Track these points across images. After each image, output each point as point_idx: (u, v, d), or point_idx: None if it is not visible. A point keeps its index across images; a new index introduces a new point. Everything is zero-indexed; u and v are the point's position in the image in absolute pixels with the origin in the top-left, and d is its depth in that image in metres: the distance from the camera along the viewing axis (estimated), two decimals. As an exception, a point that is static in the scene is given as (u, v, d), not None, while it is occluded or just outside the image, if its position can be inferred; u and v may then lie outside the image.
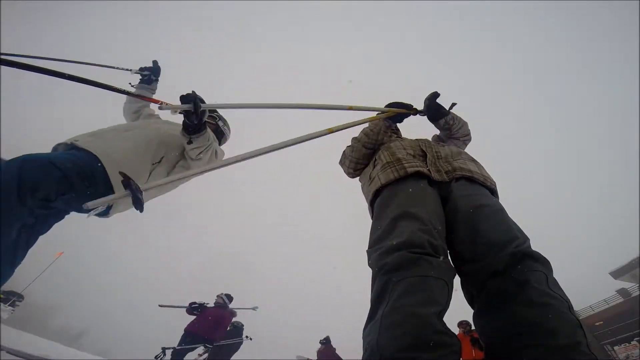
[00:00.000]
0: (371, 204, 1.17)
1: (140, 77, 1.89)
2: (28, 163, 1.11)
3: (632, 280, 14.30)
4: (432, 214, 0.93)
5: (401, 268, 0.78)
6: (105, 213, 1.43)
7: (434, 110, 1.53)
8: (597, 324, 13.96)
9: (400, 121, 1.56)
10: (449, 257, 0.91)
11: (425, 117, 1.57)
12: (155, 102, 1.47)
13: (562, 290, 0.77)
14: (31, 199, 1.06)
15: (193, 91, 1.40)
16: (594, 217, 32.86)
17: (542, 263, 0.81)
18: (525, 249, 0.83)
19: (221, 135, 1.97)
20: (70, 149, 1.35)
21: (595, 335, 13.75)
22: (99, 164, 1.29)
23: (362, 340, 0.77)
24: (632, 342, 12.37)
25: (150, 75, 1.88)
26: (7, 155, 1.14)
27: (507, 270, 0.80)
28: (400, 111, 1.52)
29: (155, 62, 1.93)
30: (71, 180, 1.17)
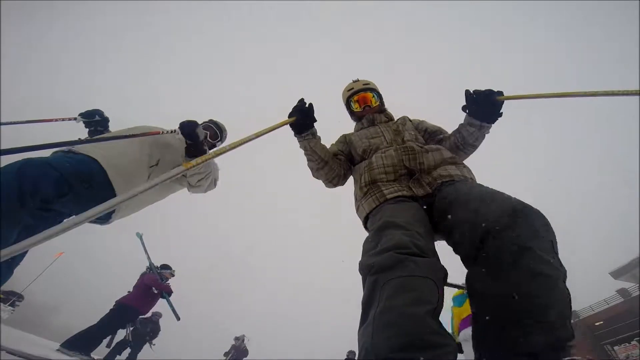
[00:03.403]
0: (365, 227, 1.20)
1: (86, 127, 1.71)
2: (27, 166, 1.12)
3: (632, 280, 14.29)
4: (412, 219, 0.95)
5: (388, 268, 0.79)
6: (105, 220, 1.44)
7: (484, 104, 1.19)
8: (597, 324, 13.95)
9: (301, 131, 1.37)
10: (438, 257, 0.90)
11: (471, 114, 1.25)
12: (156, 133, 1.50)
13: (560, 260, 0.76)
14: (31, 200, 1.08)
15: (193, 122, 1.48)
16: (593, 217, 32.88)
17: (545, 227, 0.79)
18: (527, 207, 0.81)
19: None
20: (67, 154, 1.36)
21: (595, 335, 13.75)
22: (98, 167, 1.30)
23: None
24: (632, 342, 12.36)
25: (96, 127, 1.70)
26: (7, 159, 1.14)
27: (508, 229, 0.77)
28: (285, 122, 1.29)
29: (98, 112, 1.72)
30: (70, 182, 1.19)
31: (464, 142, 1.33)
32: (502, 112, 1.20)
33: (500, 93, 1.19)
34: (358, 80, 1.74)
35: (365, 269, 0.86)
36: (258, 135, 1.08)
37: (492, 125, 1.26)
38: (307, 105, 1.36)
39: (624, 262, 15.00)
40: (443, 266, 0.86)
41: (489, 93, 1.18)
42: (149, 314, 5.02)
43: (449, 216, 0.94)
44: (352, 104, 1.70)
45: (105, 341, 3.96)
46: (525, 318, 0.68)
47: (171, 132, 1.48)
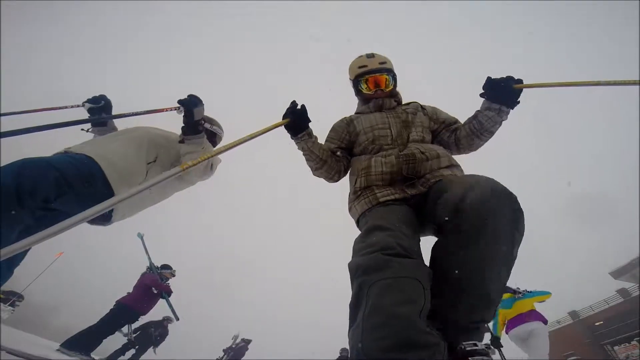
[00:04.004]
0: (358, 227, 1.22)
1: (90, 114, 1.66)
2: (27, 166, 1.13)
3: (632, 280, 14.27)
4: (398, 222, 0.97)
5: (374, 270, 0.79)
6: (106, 221, 1.44)
7: (501, 91, 1.18)
8: (597, 324, 13.96)
9: (297, 132, 1.35)
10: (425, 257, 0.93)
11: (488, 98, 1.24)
12: (160, 111, 1.51)
13: (515, 253, 0.84)
14: (31, 200, 1.08)
15: (190, 95, 1.48)
16: (594, 217, 32.90)
17: (514, 215, 0.84)
18: (503, 192, 0.85)
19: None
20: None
21: (595, 335, 13.76)
22: (97, 166, 1.31)
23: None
24: (632, 342, 12.36)
25: (101, 113, 1.66)
26: (7, 158, 1.15)
27: (479, 207, 0.82)
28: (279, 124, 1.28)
29: (104, 97, 1.68)
30: (70, 180, 1.19)
31: (481, 128, 1.27)
32: (519, 101, 1.20)
33: (519, 81, 1.19)
34: (374, 57, 1.49)
35: (352, 271, 0.86)
36: (252, 137, 1.10)
37: (511, 111, 1.23)
38: (299, 107, 1.34)
39: (624, 262, 14.99)
40: (427, 267, 0.87)
41: (507, 80, 1.19)
42: (159, 318, 5.00)
43: (439, 200, 0.96)
44: (361, 83, 1.50)
45: (106, 341, 3.97)
46: (460, 294, 0.80)
47: (174, 109, 1.49)
